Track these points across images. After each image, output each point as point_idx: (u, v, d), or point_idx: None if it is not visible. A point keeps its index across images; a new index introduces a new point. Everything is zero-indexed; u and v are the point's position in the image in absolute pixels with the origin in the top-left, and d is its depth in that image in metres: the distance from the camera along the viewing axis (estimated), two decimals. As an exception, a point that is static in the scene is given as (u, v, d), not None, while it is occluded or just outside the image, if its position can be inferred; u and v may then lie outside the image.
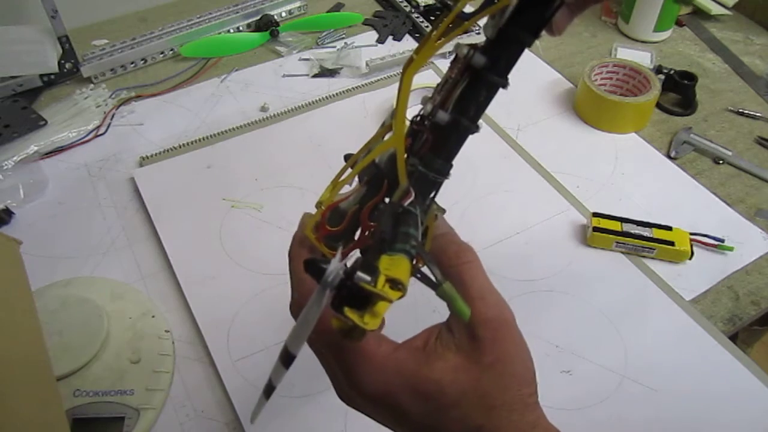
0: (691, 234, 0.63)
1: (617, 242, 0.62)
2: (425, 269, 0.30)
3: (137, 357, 0.53)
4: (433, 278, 0.29)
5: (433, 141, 0.31)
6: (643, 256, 0.63)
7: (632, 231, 0.62)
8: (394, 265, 0.27)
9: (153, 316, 0.56)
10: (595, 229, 0.62)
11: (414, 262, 0.28)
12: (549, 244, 0.64)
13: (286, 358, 0.29)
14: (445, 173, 0.32)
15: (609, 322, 0.58)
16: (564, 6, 0.31)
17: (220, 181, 0.70)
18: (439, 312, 0.57)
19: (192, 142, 0.74)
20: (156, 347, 0.54)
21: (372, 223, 0.33)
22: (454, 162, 0.33)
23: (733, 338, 0.59)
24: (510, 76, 0.31)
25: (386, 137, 0.32)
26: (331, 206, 0.34)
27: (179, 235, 0.64)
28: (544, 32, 0.32)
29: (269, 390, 0.32)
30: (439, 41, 0.30)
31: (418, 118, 0.32)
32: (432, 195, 0.33)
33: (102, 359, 0.52)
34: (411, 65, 0.30)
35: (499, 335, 0.31)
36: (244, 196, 0.68)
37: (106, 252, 0.63)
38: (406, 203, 0.30)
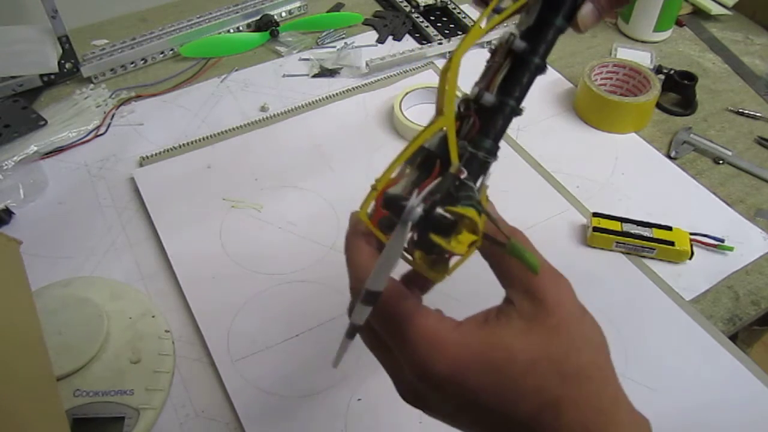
0: (691, 234, 0.63)
1: (617, 242, 0.62)
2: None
3: (137, 357, 0.53)
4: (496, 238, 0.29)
5: (481, 123, 0.33)
6: (643, 256, 0.63)
7: (632, 231, 0.62)
8: (464, 211, 0.28)
9: (153, 316, 0.56)
10: (595, 229, 0.62)
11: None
12: (549, 244, 0.64)
13: (369, 297, 0.29)
14: (494, 153, 0.33)
15: (609, 322, 0.57)
16: (592, 6, 0.34)
17: (220, 181, 0.70)
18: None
19: (192, 142, 0.74)
20: (156, 347, 0.54)
21: None
22: None
23: (733, 338, 0.59)
24: None
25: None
26: (386, 187, 0.34)
27: (179, 235, 0.64)
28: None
29: (353, 331, 0.31)
30: (483, 28, 0.33)
31: (464, 105, 0.34)
32: (482, 178, 0.33)
33: (102, 359, 0.52)
34: (458, 47, 0.32)
35: (561, 297, 0.30)
36: (244, 196, 0.68)
37: (106, 252, 0.63)
38: (462, 177, 0.31)
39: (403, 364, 0.30)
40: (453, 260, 0.31)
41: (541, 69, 0.33)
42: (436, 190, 0.30)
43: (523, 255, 0.28)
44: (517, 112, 0.33)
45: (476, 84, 0.34)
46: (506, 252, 0.28)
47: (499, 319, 0.30)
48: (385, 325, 0.30)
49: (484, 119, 0.33)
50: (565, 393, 0.28)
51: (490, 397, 0.28)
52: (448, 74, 0.32)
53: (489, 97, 0.32)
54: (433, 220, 0.26)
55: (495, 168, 0.34)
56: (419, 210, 0.25)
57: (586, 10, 0.35)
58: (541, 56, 0.33)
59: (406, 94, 0.77)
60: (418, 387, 0.30)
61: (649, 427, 0.30)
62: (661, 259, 0.62)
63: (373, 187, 0.33)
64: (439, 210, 0.26)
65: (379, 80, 0.83)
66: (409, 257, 0.31)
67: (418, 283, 0.36)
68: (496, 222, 0.30)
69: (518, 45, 0.33)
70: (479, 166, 0.32)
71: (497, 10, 0.34)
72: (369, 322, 0.30)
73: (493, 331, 0.29)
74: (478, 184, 0.33)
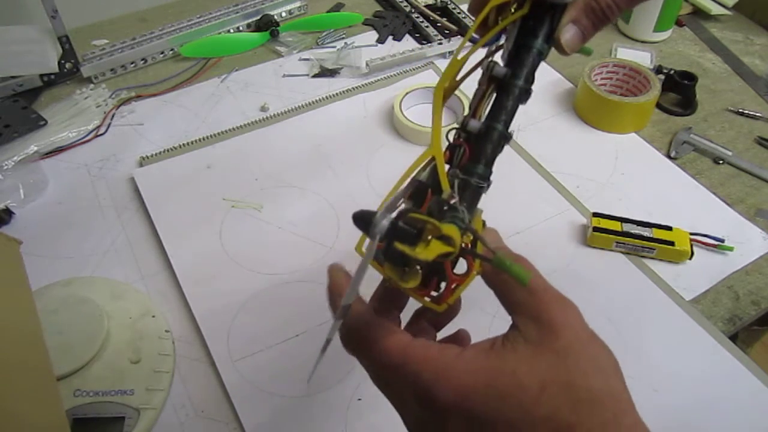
0: (691, 234, 0.63)
1: (617, 242, 0.62)
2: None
3: (137, 357, 0.53)
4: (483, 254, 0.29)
5: (471, 150, 0.33)
6: (643, 256, 0.63)
7: (632, 231, 0.62)
8: (443, 227, 0.28)
9: (153, 316, 0.56)
10: (595, 229, 0.62)
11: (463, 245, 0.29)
12: (549, 244, 0.64)
13: (343, 311, 0.30)
14: (485, 178, 0.33)
15: (609, 322, 0.58)
16: (576, 28, 0.35)
17: (220, 181, 0.70)
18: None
19: (192, 142, 0.74)
20: (156, 347, 0.54)
21: None
22: None
23: (733, 338, 0.59)
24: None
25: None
26: None
27: (179, 235, 0.64)
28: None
29: (326, 345, 0.33)
30: (461, 57, 0.34)
31: (454, 134, 0.34)
32: (476, 204, 0.33)
33: (102, 359, 0.52)
34: (439, 81, 0.33)
35: (568, 320, 0.29)
36: (244, 196, 0.68)
37: (106, 252, 0.63)
38: (451, 203, 0.31)
39: (408, 396, 0.30)
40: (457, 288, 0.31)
41: (526, 92, 0.34)
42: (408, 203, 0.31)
43: (510, 268, 0.28)
44: (506, 135, 0.34)
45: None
46: (493, 264, 0.28)
47: (504, 345, 0.29)
48: (389, 358, 0.30)
49: (473, 146, 0.33)
50: (578, 420, 0.27)
51: (498, 426, 0.27)
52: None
53: (475, 124, 0.33)
54: (399, 231, 0.27)
55: (495, 168, 0.34)
56: (385, 222, 0.26)
57: (570, 34, 0.35)
58: (524, 80, 0.34)
59: (406, 94, 0.77)
60: (424, 417, 0.30)
61: None
62: (661, 259, 0.62)
63: None
64: (401, 222, 0.26)
65: (379, 80, 0.83)
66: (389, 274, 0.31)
67: (430, 318, 0.36)
68: (483, 239, 0.30)
69: (498, 71, 0.34)
70: (471, 191, 0.33)
71: (473, 40, 0.34)
72: (375, 358, 0.31)
73: (499, 356, 0.28)
74: (471, 211, 0.33)
